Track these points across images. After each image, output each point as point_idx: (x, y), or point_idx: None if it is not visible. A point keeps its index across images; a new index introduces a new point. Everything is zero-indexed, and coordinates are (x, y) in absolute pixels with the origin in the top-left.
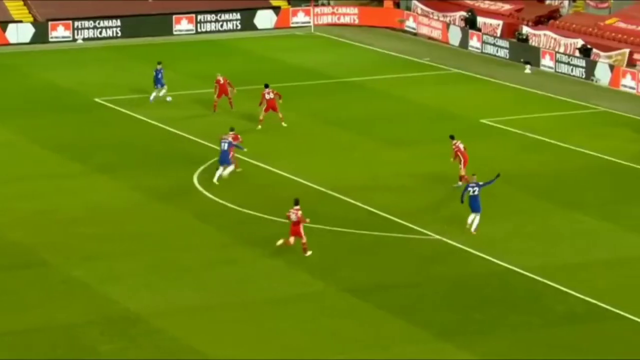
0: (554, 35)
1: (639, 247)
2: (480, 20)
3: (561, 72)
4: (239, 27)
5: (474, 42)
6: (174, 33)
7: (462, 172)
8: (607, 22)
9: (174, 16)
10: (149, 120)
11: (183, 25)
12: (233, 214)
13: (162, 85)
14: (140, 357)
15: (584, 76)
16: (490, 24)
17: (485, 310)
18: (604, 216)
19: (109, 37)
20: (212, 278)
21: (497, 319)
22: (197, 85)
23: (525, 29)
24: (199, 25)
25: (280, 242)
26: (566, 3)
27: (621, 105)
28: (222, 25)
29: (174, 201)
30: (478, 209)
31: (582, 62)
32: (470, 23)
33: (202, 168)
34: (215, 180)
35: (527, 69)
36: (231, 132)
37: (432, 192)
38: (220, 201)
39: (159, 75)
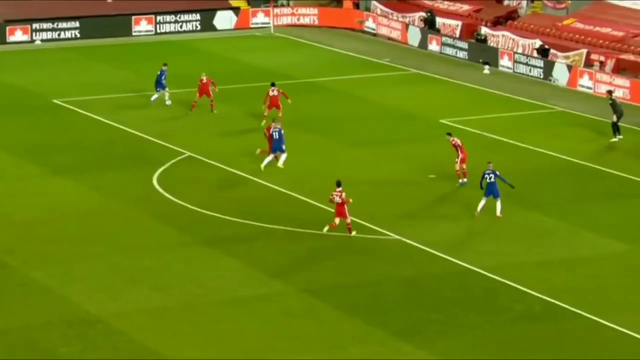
0: (512, 36)
1: (596, 246)
2: (439, 20)
3: (519, 73)
4: (199, 27)
5: (433, 43)
6: (133, 34)
7: (457, 167)
8: (565, 22)
9: (133, 17)
10: (108, 122)
11: (142, 26)
12: (192, 215)
13: (164, 88)
14: (98, 358)
15: (542, 76)
16: (450, 25)
17: (443, 310)
18: (562, 216)
19: (68, 39)
20: (171, 279)
21: (455, 318)
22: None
23: (484, 30)
24: (158, 26)
25: (326, 228)
26: (524, 4)
27: (578, 105)
28: (181, 26)
29: (133, 202)
30: (497, 194)
31: (540, 63)
32: (429, 24)
33: (161, 169)
34: (262, 166)
35: (486, 70)
36: (274, 123)
37: (392, 192)
38: (180, 202)
39: (163, 77)
